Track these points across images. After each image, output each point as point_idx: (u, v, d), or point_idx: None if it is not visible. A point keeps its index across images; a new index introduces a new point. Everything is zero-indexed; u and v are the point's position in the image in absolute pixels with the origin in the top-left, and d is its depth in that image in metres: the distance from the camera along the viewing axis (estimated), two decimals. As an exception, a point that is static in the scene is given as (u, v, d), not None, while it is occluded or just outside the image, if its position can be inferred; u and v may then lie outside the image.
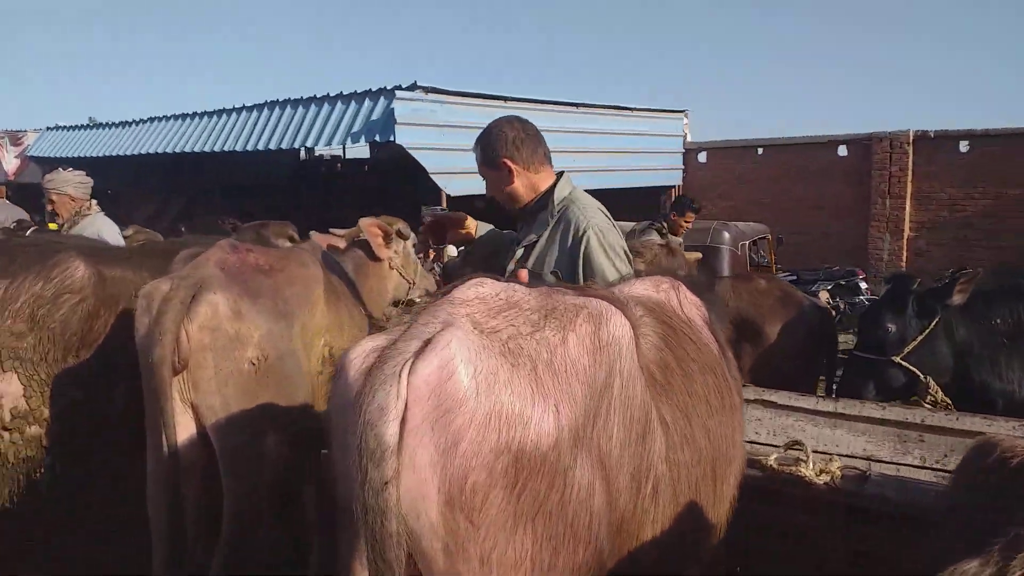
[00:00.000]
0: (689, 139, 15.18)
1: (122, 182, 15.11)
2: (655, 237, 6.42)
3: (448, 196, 10.73)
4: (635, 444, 1.66)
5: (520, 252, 2.61)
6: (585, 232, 2.53)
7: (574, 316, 1.59)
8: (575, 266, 2.51)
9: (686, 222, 6.96)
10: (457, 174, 10.84)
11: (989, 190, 12.54)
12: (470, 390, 1.35)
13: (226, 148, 11.75)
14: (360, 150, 17.41)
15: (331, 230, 3.84)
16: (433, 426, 1.35)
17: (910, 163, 13.08)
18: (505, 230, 3.15)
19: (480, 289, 1.61)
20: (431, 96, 10.50)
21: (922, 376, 3.77)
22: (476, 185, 10.85)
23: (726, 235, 9.71)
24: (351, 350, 1.49)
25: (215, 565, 2.49)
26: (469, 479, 1.35)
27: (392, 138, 10.06)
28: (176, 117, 13.38)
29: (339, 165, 18.82)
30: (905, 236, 13.31)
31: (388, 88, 10.25)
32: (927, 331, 3.83)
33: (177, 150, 12.71)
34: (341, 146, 16.43)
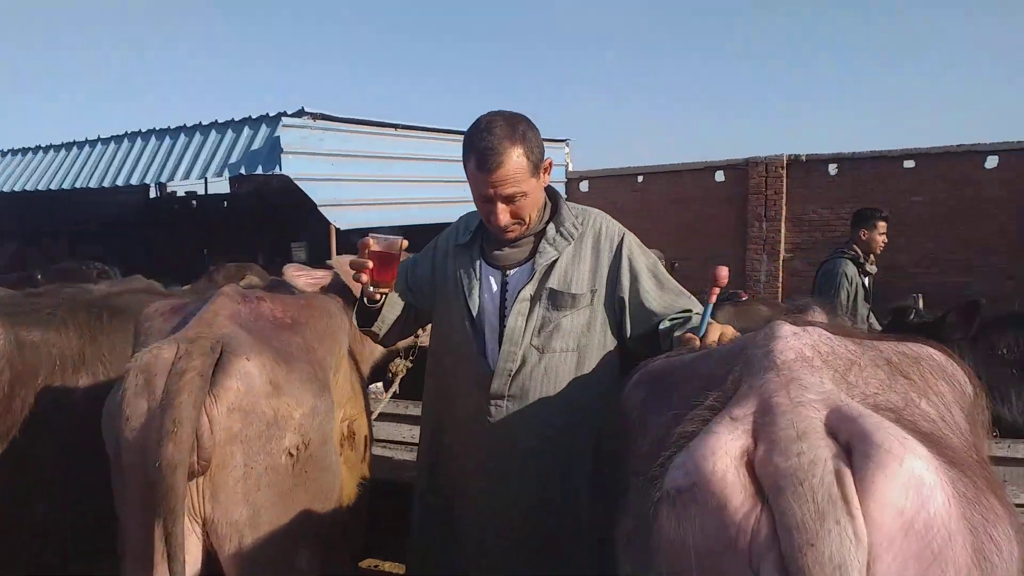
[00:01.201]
0: (571, 168, 15.13)
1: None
2: (851, 269, 5.45)
3: (337, 231, 9.96)
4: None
5: (539, 273, 2.11)
6: (623, 237, 2.20)
7: (924, 373, 1.11)
8: (616, 276, 2.14)
9: (881, 235, 5.71)
10: (348, 206, 10.14)
11: (856, 210, 13.23)
12: (953, 515, 0.83)
13: (77, 185, 10.33)
14: (221, 185, 16.17)
15: (287, 270, 3.09)
16: None
17: (784, 187, 13.62)
18: None
19: (799, 340, 1.09)
20: (320, 123, 9.72)
21: None
22: (367, 218, 10.24)
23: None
24: (697, 454, 0.93)
25: None
26: None
27: (278, 168, 9.19)
28: (12, 152, 11.72)
29: (194, 202, 17.34)
30: (781, 257, 13.79)
31: (272, 115, 9.37)
32: None
33: (13, 189, 11.09)
34: (203, 181, 15.26)
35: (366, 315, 2.20)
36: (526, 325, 2.09)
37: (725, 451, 0.91)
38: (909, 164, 13.01)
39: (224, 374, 1.71)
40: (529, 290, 2.12)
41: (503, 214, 2.06)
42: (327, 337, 2.09)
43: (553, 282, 2.11)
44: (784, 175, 13.66)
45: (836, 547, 0.79)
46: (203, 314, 1.87)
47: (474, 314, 2.15)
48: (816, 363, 1.03)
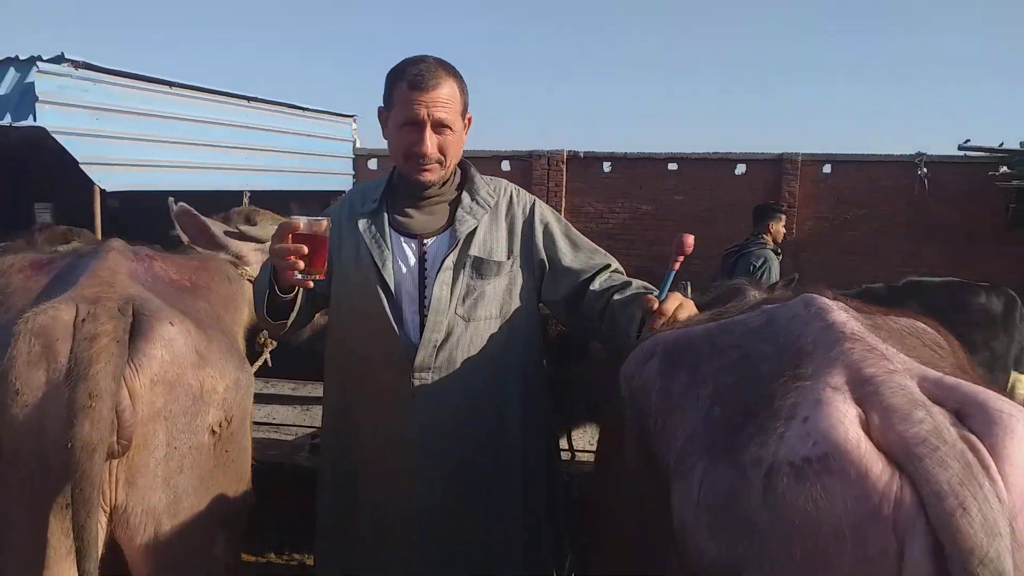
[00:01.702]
0: (359, 145, 14.76)
1: None
2: (772, 256, 5.97)
3: (103, 192, 8.94)
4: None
5: (460, 241, 2.06)
6: (534, 203, 2.21)
7: (933, 344, 1.24)
8: (532, 240, 2.14)
9: (783, 225, 6.64)
10: (115, 165, 9.14)
11: (627, 205, 14.30)
12: None
13: None
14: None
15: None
16: None
17: (564, 180, 14.34)
18: None
19: (849, 312, 1.17)
20: (82, 73, 8.59)
21: None
22: (136, 180, 9.34)
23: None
24: (823, 424, 0.94)
25: None
26: None
27: (32, 119, 8.02)
28: None
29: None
30: (559, 246, 14.52)
31: (23, 58, 8.14)
32: None
33: None
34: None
35: (278, 307, 1.91)
36: (451, 294, 2.02)
37: (850, 419, 0.94)
38: (673, 167, 14.27)
39: (146, 340, 1.46)
40: (452, 258, 2.04)
41: (430, 141, 1.96)
42: (230, 304, 1.87)
43: (475, 250, 2.06)
44: (564, 169, 14.38)
45: (987, 510, 0.84)
46: (97, 271, 1.58)
47: (390, 285, 2.03)
48: (877, 333, 1.09)
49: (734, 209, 14.07)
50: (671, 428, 1.26)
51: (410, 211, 2.11)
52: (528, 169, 14.47)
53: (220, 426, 1.60)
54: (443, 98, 1.95)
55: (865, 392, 0.98)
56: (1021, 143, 13.11)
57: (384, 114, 2.05)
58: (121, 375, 1.40)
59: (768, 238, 6.26)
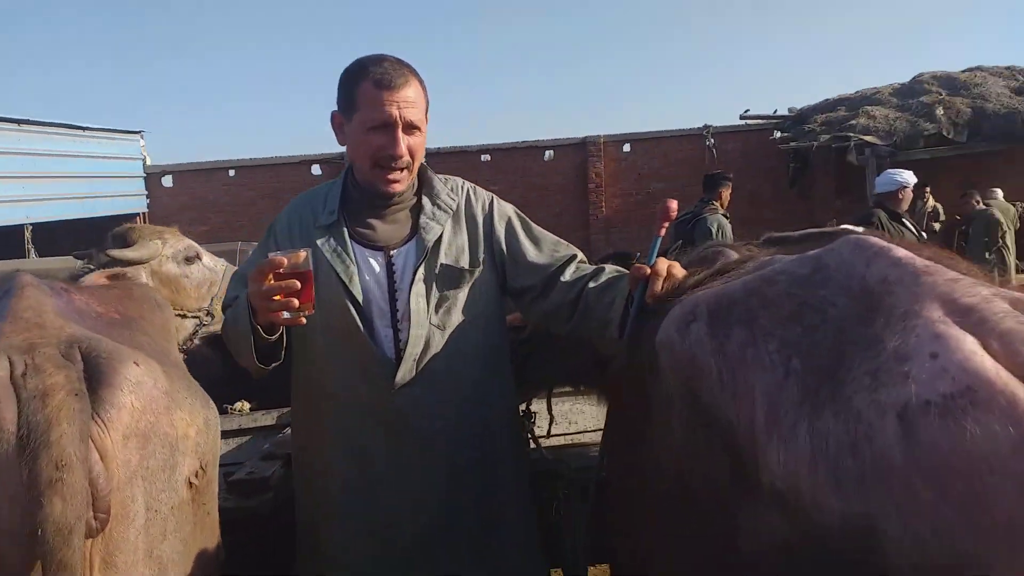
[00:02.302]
0: (150, 162, 13.59)
1: None
2: (725, 222, 6.36)
3: None
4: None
5: (428, 250, 1.95)
6: (492, 200, 2.13)
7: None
8: (495, 239, 2.07)
9: (731, 194, 7.05)
10: None
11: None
12: None
13: None
14: None
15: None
16: None
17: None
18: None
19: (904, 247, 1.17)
20: None
21: None
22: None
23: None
24: (957, 356, 0.92)
25: None
26: None
27: None
28: None
29: None
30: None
31: None
32: None
33: None
34: None
35: (267, 348, 1.75)
36: (427, 306, 1.91)
37: (982, 350, 0.93)
38: (486, 158, 14.47)
39: (109, 388, 1.18)
40: (423, 269, 1.93)
41: (403, 143, 1.84)
42: (167, 333, 1.59)
43: (443, 258, 1.96)
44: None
45: None
46: (17, 312, 1.27)
47: (360, 300, 1.89)
48: (948, 280, 1.10)
49: (546, 195, 14.56)
50: (742, 388, 1.21)
51: (372, 221, 1.98)
52: (340, 170, 14.08)
53: (197, 476, 1.35)
54: (412, 98, 1.87)
55: (972, 321, 0.98)
56: (789, 109, 14.60)
57: (339, 118, 1.91)
58: (88, 434, 1.13)
59: (718, 204, 6.66)
